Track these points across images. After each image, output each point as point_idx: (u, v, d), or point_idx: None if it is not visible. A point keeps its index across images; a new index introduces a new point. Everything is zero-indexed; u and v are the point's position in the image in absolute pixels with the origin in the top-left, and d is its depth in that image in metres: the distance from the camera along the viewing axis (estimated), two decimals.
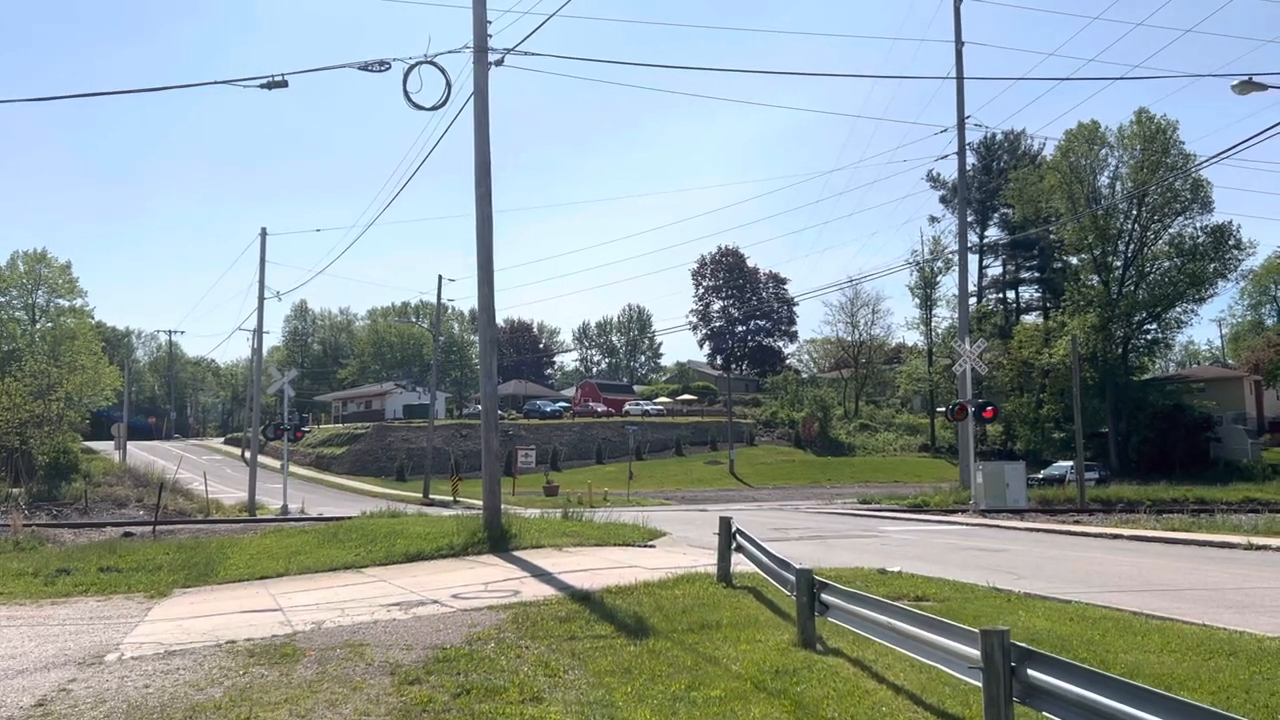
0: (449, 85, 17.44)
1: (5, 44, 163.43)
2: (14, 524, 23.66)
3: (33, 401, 38.84)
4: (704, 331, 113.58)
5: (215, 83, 16.87)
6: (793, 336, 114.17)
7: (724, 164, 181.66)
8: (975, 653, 5.70)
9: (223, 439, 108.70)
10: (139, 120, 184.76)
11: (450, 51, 17.70)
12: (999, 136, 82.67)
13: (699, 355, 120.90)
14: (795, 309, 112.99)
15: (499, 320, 20.72)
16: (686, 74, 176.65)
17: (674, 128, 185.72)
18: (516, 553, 16.46)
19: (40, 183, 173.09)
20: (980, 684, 5.60)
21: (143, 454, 67.83)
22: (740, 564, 12.33)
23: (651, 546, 17.90)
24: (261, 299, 41.70)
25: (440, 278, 57.59)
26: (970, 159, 62.63)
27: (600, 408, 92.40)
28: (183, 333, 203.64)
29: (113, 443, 64.91)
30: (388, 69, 17.42)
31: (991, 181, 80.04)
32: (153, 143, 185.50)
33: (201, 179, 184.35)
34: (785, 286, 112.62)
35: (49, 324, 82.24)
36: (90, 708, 7.23)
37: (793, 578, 9.11)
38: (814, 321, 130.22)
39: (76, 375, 67.19)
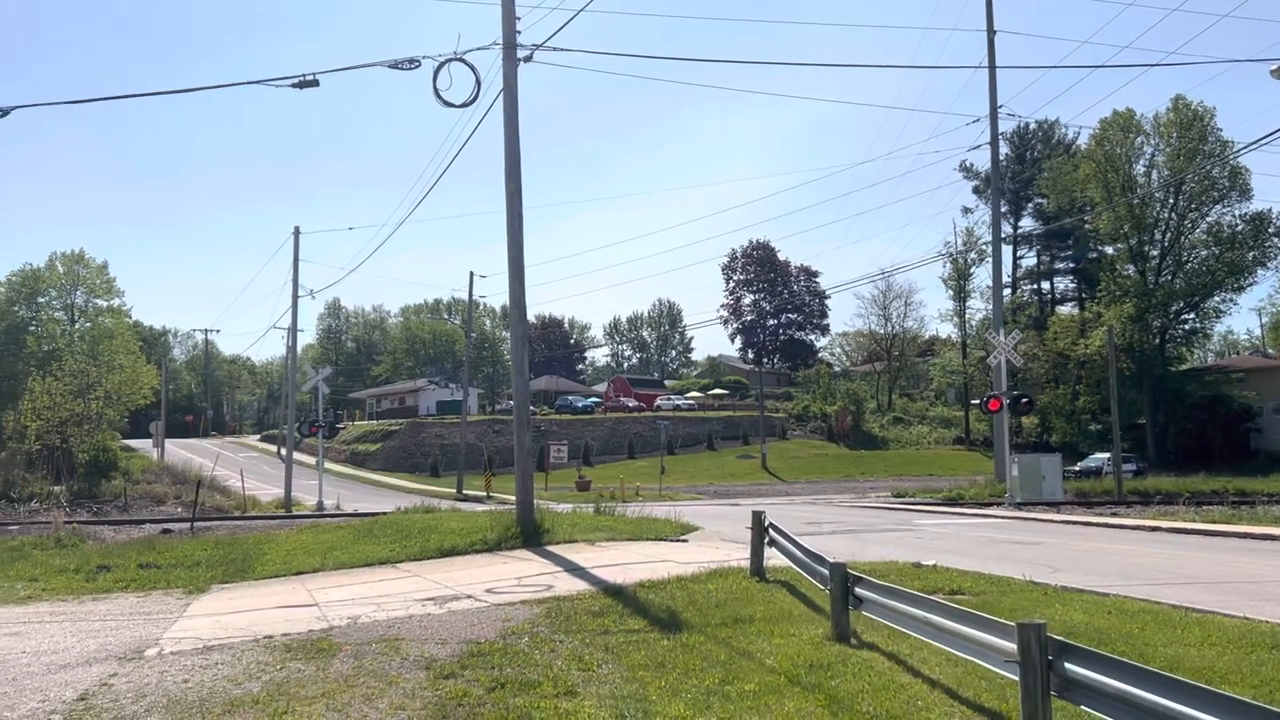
0: (478, 82, 17.49)
1: (41, 47, 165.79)
2: (55, 521, 24.04)
3: (73, 400, 39.42)
4: (735, 325, 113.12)
5: (248, 83, 17.02)
6: (825, 330, 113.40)
7: (755, 157, 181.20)
8: (1012, 646, 5.64)
9: (259, 436, 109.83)
10: (174, 122, 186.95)
11: (479, 48, 17.77)
12: (1032, 126, 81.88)
13: (730, 349, 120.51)
14: (827, 302, 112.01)
15: (530, 316, 20.79)
16: (716, 68, 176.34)
17: (704, 122, 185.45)
18: (549, 547, 16.51)
19: (77, 185, 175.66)
20: (1017, 678, 5.55)
21: (180, 452, 68.64)
22: (773, 558, 12.30)
23: (684, 541, 17.89)
24: (295, 297, 42.08)
25: (472, 274, 57.79)
26: (1003, 149, 62.01)
27: (631, 403, 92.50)
28: (218, 331, 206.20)
29: (151, 441, 65.83)
30: (418, 66, 17.50)
31: (1025, 171, 79.24)
32: (187, 144, 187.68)
33: (235, 179, 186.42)
34: (817, 279, 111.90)
35: (88, 324, 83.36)
36: (130, 702, 7.33)
37: (826, 571, 9.07)
38: (846, 314, 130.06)
39: (115, 374, 68.04)
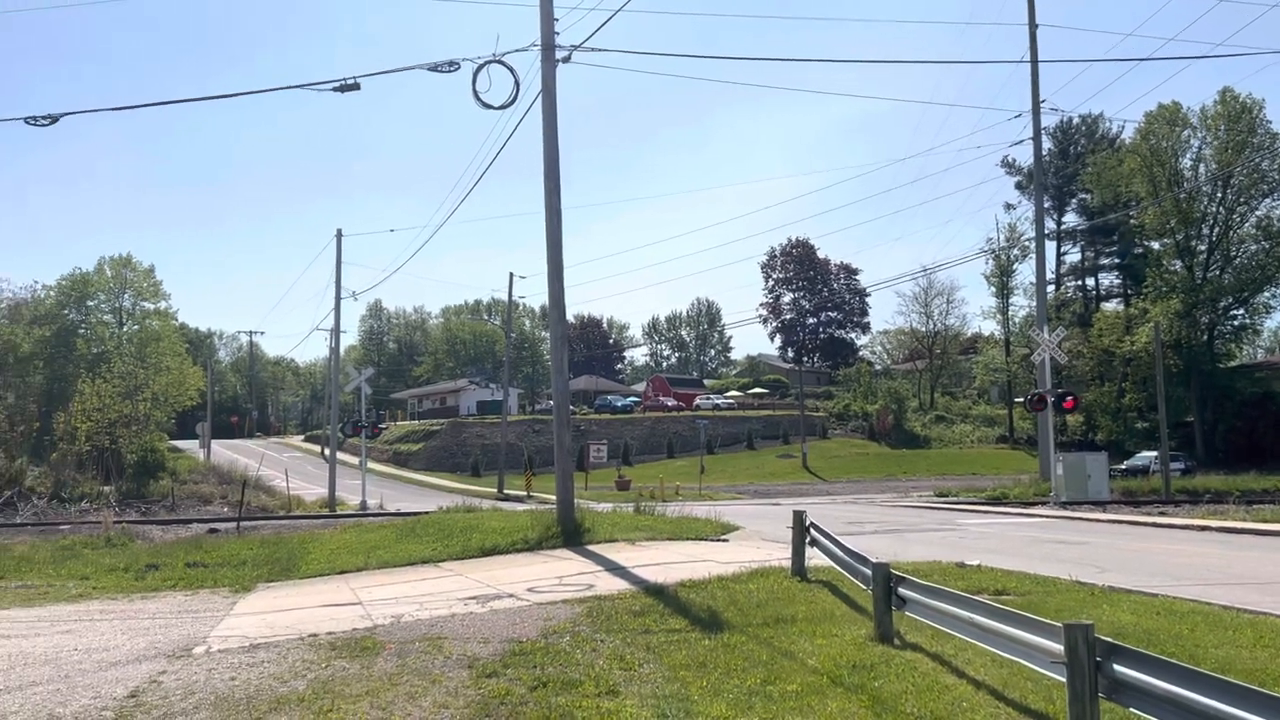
0: (517, 84, 17.57)
1: (86, 56, 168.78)
2: (105, 521, 24.47)
3: (121, 402, 40.10)
4: (774, 324, 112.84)
5: (289, 87, 17.25)
6: (865, 328, 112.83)
7: (793, 155, 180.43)
8: (1058, 647, 5.57)
9: (303, 436, 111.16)
10: (216, 127, 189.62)
11: (518, 50, 17.84)
12: (1076, 120, 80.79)
13: (770, 348, 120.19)
14: (867, 300, 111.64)
15: (569, 316, 20.86)
16: (754, 65, 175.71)
17: (742, 120, 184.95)
18: (590, 547, 16.55)
19: (124, 190, 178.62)
20: (1064, 679, 5.48)
21: (226, 452, 69.65)
22: (814, 558, 12.24)
23: (724, 541, 17.86)
24: (338, 299, 42.52)
25: (511, 275, 58.20)
26: (1046, 144, 61.07)
27: (670, 402, 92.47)
28: (263, 333, 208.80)
29: (197, 441, 66.82)
30: (457, 69, 17.61)
31: (1069, 166, 78.18)
32: (230, 148, 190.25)
33: (278, 182, 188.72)
34: (857, 277, 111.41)
35: (135, 326, 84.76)
36: (180, 699, 7.43)
37: (869, 571, 9.01)
38: (887, 312, 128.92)
39: (162, 376, 69.03)
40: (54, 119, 18.39)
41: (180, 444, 68.68)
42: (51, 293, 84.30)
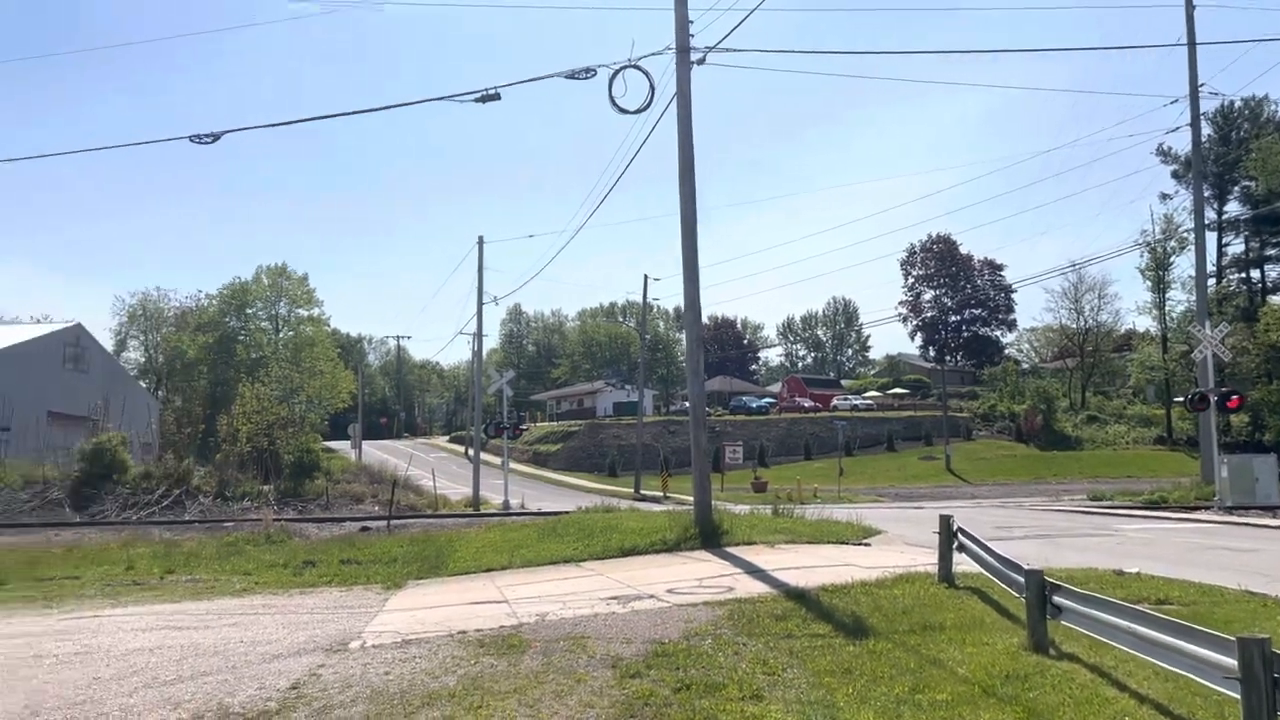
0: (652, 88, 17.68)
1: (240, 72, 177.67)
2: (265, 519, 25.70)
3: (278, 405, 42.05)
4: (915, 323, 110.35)
5: (434, 99, 17.76)
6: (1011, 325, 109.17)
7: (932, 149, 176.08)
8: (1231, 662, 5.28)
9: (447, 437, 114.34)
10: (365, 140, 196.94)
11: (653, 54, 17.94)
12: (1237, 104, 76.32)
13: (910, 347, 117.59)
14: (1013, 296, 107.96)
15: (703, 317, 20.83)
16: (891, 59, 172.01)
17: (878, 114, 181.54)
18: (728, 549, 16.50)
19: (278, 202, 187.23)
20: (1237, 695, 5.19)
21: (376, 452, 72.17)
22: (962, 564, 11.91)
23: (866, 545, 17.55)
24: (480, 304, 43.61)
25: (646, 277, 58.56)
26: (1205, 130, 58.01)
27: (807, 403, 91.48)
28: (409, 338, 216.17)
29: (349, 442, 69.45)
30: (593, 75, 17.83)
31: (1230, 153, 73.94)
32: (377, 161, 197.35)
33: (423, 191, 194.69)
34: (1001, 273, 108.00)
35: (290, 333, 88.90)
36: (338, 692, 7.74)
37: (1021, 579, 8.71)
38: (1034, 309, 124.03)
39: (316, 380, 72.34)
40: (216, 137, 19.44)
41: (333, 444, 71.56)
42: (214, 302, 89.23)
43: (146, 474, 32.17)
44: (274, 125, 46.56)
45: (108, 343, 74.50)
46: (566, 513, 26.78)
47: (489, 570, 15.92)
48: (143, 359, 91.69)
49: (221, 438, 35.87)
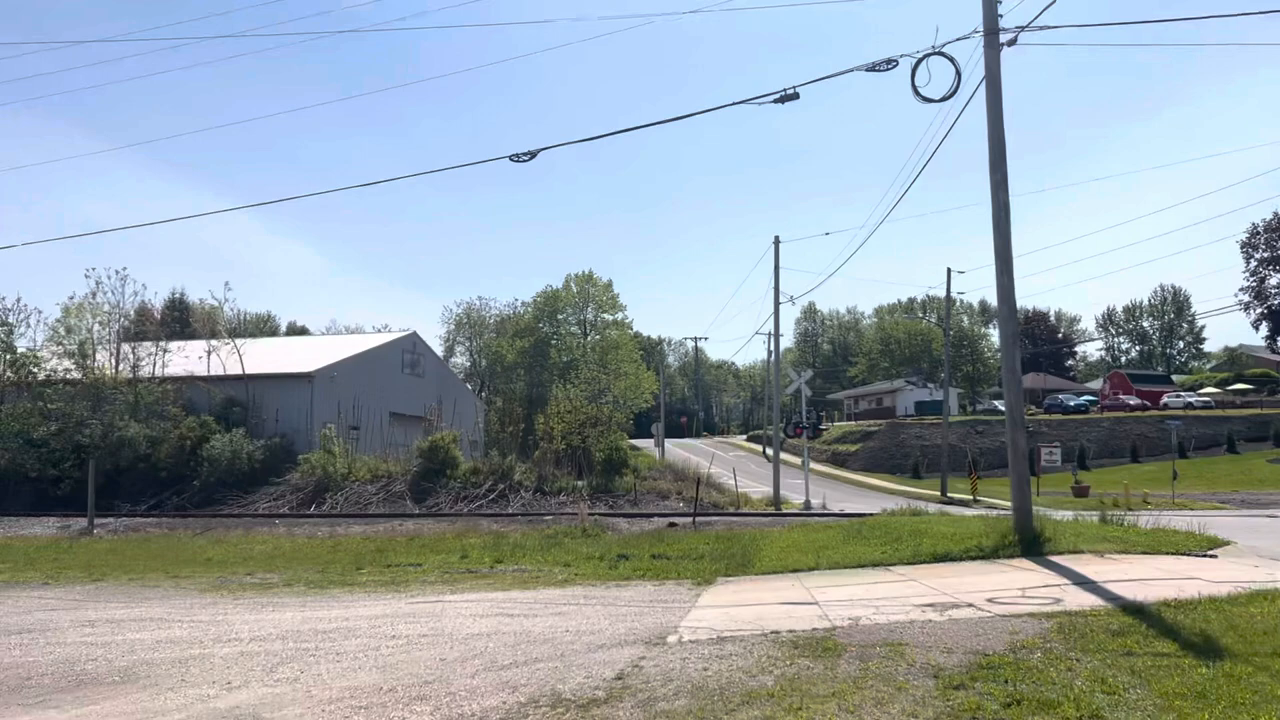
0: (958, 74, 16.99)
1: (564, 99, 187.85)
2: (580, 513, 27.07)
3: (588, 405, 44.23)
4: (1259, 310, 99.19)
5: (734, 104, 17.96)
6: None
7: (1274, 119, 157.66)
8: None
9: (744, 436, 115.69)
10: (661, 147, 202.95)
11: (958, 39, 17.23)
12: None
13: (1253, 338, 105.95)
14: None
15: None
16: (1225, 23, 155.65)
17: (1210, 85, 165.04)
18: (1051, 557, 15.52)
19: (584, 212, 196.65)
20: None
21: (678, 451, 74.16)
22: None
23: (1212, 556, 15.94)
24: (777, 304, 43.68)
25: (949, 271, 56.19)
26: None
27: (1132, 400, 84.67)
28: (706, 339, 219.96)
29: (652, 440, 71.85)
30: (895, 66, 17.37)
31: None
32: (674, 166, 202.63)
33: (717, 193, 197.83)
34: None
35: (597, 336, 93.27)
36: (660, 685, 7.98)
37: None
38: None
39: (621, 380, 75.39)
40: (533, 154, 20.67)
41: (637, 443, 74.24)
42: (529, 309, 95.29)
43: (475, 469, 34.82)
44: (586, 140, 49.22)
45: (438, 349, 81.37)
46: (870, 514, 26.30)
47: (795, 571, 15.89)
48: (467, 363, 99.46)
49: (539, 436, 38.13)
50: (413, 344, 53.78)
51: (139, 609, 14.10)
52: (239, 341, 43.47)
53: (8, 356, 39.81)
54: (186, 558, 21.23)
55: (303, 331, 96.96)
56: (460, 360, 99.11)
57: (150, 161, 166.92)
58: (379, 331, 70.04)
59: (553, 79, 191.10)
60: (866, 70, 17.66)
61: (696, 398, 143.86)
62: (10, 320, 40.27)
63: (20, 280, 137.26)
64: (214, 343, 42.79)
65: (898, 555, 16.66)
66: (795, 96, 17.76)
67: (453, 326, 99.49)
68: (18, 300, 42.05)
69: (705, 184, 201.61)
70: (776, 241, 43.86)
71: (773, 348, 48.05)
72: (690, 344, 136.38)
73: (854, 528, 21.70)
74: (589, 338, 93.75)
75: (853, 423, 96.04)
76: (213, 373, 40.94)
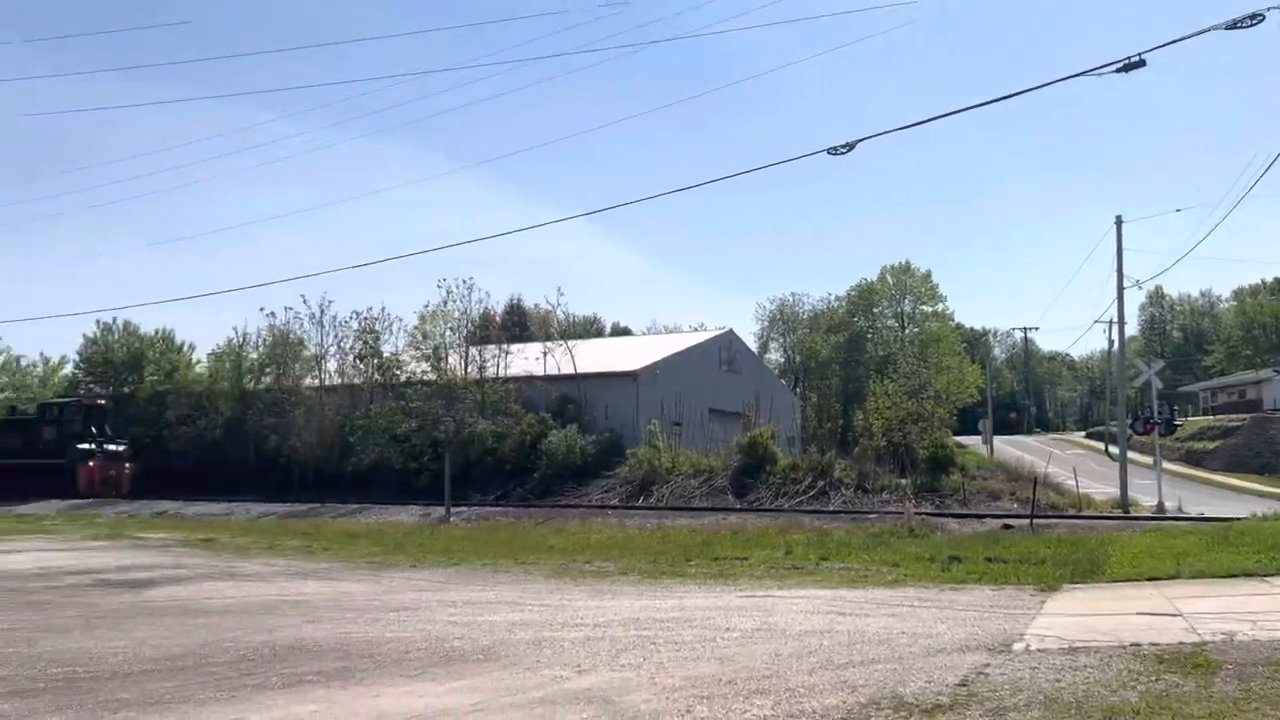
0: None
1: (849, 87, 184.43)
2: (906, 512, 26.33)
3: (907, 400, 42.97)
4: None
5: (1074, 75, 16.81)
6: None
7: None
8: None
9: (1083, 433, 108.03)
10: (981, 129, 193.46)
11: None
12: None
13: None
14: None
15: None
16: None
17: None
18: None
19: (897, 205, 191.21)
20: None
21: (1008, 449, 70.46)
22: None
23: None
24: (1120, 289, 40.29)
25: None
26: None
27: None
28: (1037, 329, 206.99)
29: (979, 438, 68.76)
30: (1260, 21, 15.53)
31: None
32: (993, 146, 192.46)
33: (1050, 172, 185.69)
34: None
35: (915, 329, 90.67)
36: (1008, 694, 7.56)
37: None
38: None
39: (943, 375, 72.70)
40: (851, 146, 20.43)
41: (963, 440, 71.27)
42: (842, 303, 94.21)
43: (793, 465, 34.82)
44: (905, 128, 47.52)
45: (753, 345, 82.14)
46: (1236, 519, 23.73)
47: (1152, 579, 14.62)
48: (782, 359, 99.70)
49: (858, 432, 37.54)
50: (729, 341, 54.66)
51: (493, 591, 15.29)
52: (570, 343, 46.11)
53: (375, 361, 44.62)
54: (530, 545, 22.76)
55: (625, 332, 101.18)
56: (774, 357, 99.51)
57: (487, 177, 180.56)
58: (695, 330, 71.80)
59: (865, 71, 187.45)
60: (1226, 28, 15.92)
61: (1026, 392, 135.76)
62: (377, 328, 45.10)
63: (382, 292, 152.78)
64: (548, 344, 45.64)
65: (1275, 565, 14.91)
66: (1141, 64, 16.34)
67: (766, 323, 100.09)
68: (382, 310, 46.78)
69: (1032, 162, 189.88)
70: (1118, 221, 40.49)
71: (1115, 336, 44.50)
72: (1019, 335, 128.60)
73: (1219, 533, 19.63)
74: (907, 331, 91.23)
75: (1209, 417, 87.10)
76: (548, 372, 43.67)
